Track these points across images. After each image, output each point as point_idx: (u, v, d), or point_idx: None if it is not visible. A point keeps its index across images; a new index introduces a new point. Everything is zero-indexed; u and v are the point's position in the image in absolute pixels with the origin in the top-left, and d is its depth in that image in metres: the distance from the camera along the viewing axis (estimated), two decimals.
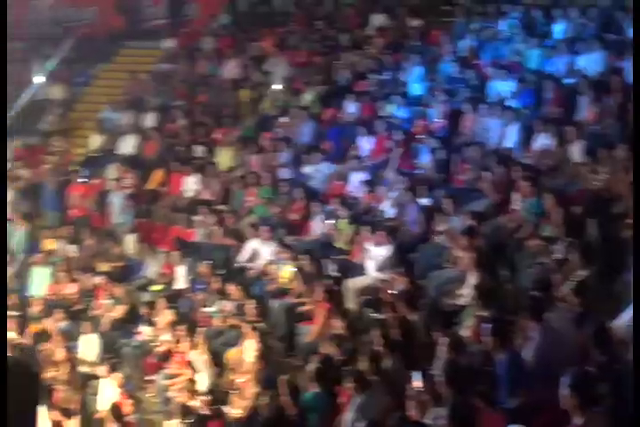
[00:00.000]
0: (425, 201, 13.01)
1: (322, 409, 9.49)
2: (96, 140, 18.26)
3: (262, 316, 12.23)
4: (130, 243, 15.07)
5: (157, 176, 16.46)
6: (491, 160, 13.12)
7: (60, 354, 12.73)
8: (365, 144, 15.09)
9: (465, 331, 9.69)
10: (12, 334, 13.50)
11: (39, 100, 20.17)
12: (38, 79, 20.44)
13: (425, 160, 14.15)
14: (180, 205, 15.66)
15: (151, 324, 13.09)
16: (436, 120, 14.98)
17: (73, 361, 12.71)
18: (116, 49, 21.13)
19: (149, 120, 18.19)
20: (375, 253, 12.26)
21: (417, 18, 18.10)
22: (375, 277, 12.04)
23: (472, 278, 10.62)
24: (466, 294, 10.51)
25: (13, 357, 11.49)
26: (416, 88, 16.12)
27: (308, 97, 17.18)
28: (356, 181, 14.29)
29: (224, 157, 16.44)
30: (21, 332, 13.59)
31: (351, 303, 11.93)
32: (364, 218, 13.37)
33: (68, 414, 11.50)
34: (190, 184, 15.95)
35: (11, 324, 13.60)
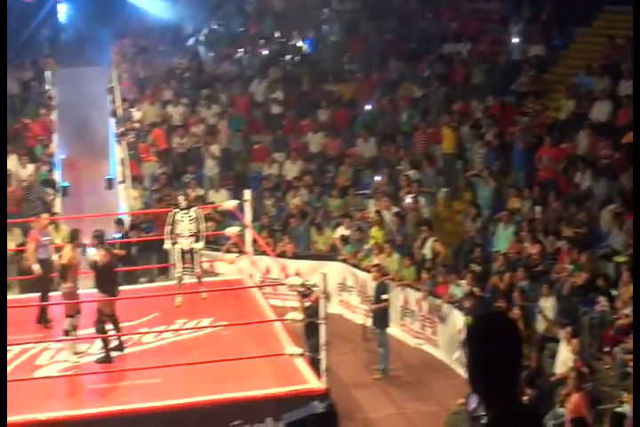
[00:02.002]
0: None
1: None
2: (569, 105, 18.19)
3: None
4: (604, 212, 14.88)
5: None
6: None
7: (516, 311, 13.01)
8: None
9: None
10: (466, 288, 14.01)
11: (515, 60, 20.45)
12: (515, 40, 20.74)
13: None
14: None
15: (610, 295, 12.97)
16: None
17: (530, 321, 12.92)
18: (595, 13, 20.76)
19: (625, 87, 17.75)
20: None
21: None
22: None
23: None
24: None
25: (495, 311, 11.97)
26: None
27: None
28: None
29: None
30: (482, 286, 14.03)
31: None
32: None
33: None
34: None
35: (470, 277, 14.17)
